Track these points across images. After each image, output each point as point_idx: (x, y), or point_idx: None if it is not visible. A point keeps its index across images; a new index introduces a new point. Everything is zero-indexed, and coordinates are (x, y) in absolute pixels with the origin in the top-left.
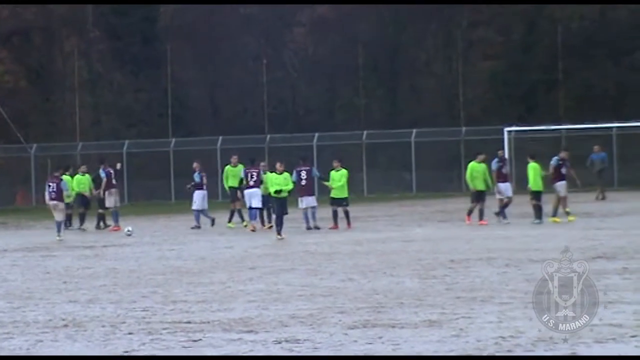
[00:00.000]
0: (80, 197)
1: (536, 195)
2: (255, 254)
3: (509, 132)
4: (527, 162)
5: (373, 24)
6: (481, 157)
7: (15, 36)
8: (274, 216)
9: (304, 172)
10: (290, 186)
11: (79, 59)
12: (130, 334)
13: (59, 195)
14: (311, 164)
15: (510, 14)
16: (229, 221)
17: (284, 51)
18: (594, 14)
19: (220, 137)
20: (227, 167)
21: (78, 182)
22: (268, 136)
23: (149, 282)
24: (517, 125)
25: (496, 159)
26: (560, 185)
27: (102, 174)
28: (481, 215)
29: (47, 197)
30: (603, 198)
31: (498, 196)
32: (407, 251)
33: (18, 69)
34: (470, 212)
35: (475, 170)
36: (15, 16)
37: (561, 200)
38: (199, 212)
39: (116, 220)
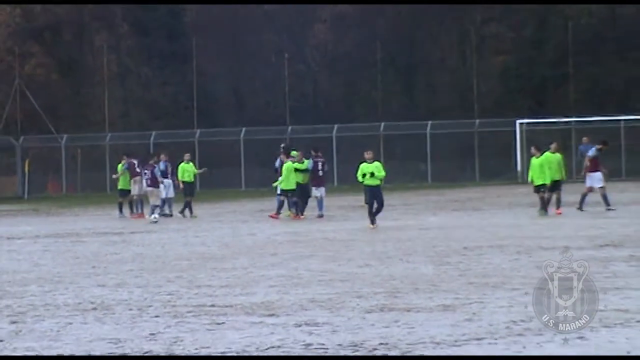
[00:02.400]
0: (185, 185)
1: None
2: (277, 240)
3: (521, 124)
4: (532, 155)
5: (390, 21)
6: (554, 146)
7: (47, 31)
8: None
9: (320, 163)
10: (383, 174)
11: (108, 54)
12: (156, 316)
13: (154, 181)
14: (324, 155)
15: (522, 10)
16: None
17: (305, 46)
18: (603, 12)
19: (244, 129)
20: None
21: (183, 170)
22: (290, 127)
23: (174, 267)
24: (529, 118)
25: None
26: None
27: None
28: (558, 204)
29: (144, 183)
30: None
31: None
32: (422, 238)
33: (50, 63)
34: (557, 204)
35: (549, 161)
36: (46, 11)
37: None
38: (167, 200)
39: (138, 209)
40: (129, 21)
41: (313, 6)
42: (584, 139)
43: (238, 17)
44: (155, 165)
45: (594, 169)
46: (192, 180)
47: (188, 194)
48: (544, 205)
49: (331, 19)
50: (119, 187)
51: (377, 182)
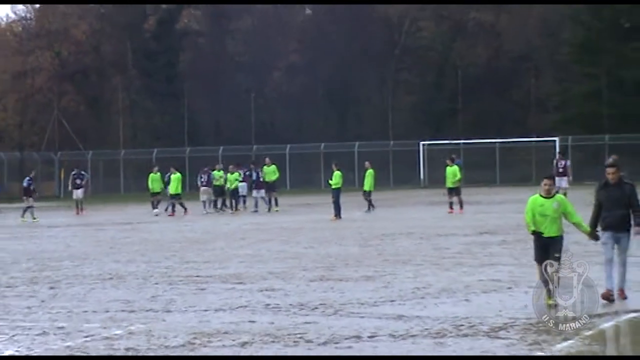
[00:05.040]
0: (218, 188)
1: (368, 193)
2: (245, 228)
3: (423, 145)
4: (366, 169)
5: (329, 69)
6: (449, 160)
7: (77, 74)
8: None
9: (256, 173)
10: (331, 181)
11: (122, 91)
12: (156, 284)
13: (208, 182)
14: (256, 167)
15: (425, 62)
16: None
17: (266, 87)
18: (484, 63)
19: (221, 147)
20: (264, 167)
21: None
22: (254, 146)
23: (170, 248)
24: (429, 140)
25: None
26: None
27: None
28: (460, 205)
29: (199, 183)
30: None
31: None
32: (351, 228)
33: (79, 98)
34: (451, 205)
35: (448, 172)
36: (77, 61)
37: None
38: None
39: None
40: (137, 68)
41: (272, 57)
42: (453, 155)
43: (217, 66)
44: (211, 172)
45: (564, 174)
46: (221, 184)
47: (218, 194)
48: (370, 206)
49: (285, 67)
50: (152, 190)
51: (333, 186)
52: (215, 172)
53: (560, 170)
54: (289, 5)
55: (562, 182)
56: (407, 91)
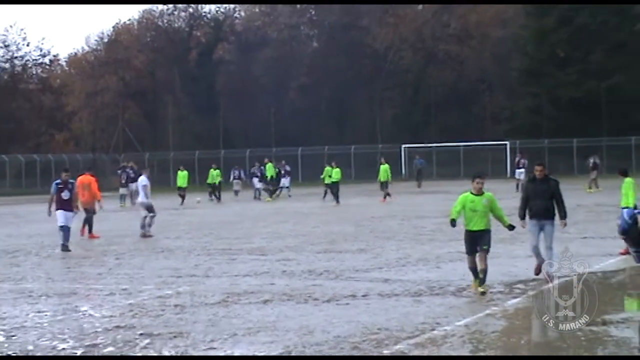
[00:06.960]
0: (267, 179)
1: (333, 185)
2: (266, 213)
3: (405, 147)
4: (333, 168)
5: (331, 88)
6: (382, 159)
7: (137, 94)
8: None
9: (263, 168)
10: (332, 177)
11: (172, 107)
12: (198, 255)
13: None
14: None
15: (405, 82)
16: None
17: (283, 103)
18: (450, 84)
19: (248, 149)
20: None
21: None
22: (274, 149)
23: (208, 227)
24: (409, 144)
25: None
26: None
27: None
28: (387, 195)
29: (231, 177)
30: (419, 186)
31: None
32: (348, 212)
33: (139, 112)
34: (385, 196)
35: (381, 170)
36: (137, 83)
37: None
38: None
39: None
40: (183, 89)
41: (287, 80)
42: (417, 156)
43: (245, 87)
44: (240, 169)
45: (522, 168)
46: (273, 175)
47: (269, 184)
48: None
49: (297, 88)
50: (207, 181)
51: (332, 180)
52: (268, 165)
53: (521, 166)
54: (301, 40)
55: (522, 175)
56: (391, 106)
